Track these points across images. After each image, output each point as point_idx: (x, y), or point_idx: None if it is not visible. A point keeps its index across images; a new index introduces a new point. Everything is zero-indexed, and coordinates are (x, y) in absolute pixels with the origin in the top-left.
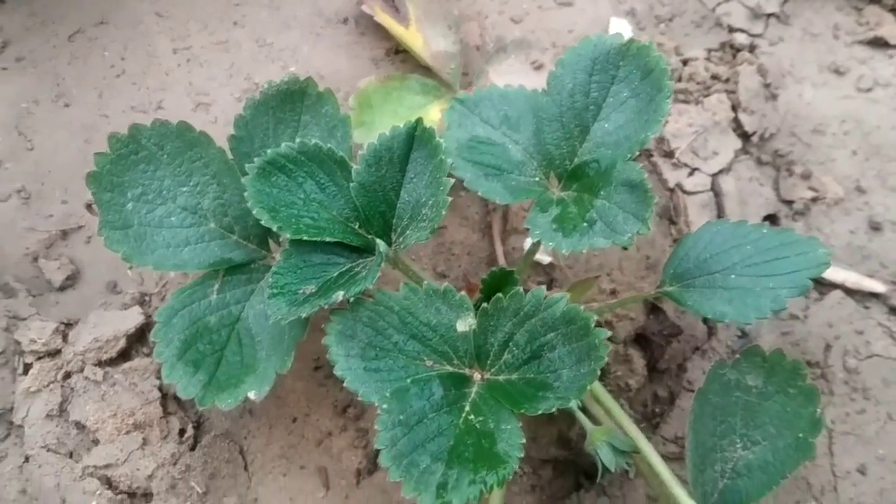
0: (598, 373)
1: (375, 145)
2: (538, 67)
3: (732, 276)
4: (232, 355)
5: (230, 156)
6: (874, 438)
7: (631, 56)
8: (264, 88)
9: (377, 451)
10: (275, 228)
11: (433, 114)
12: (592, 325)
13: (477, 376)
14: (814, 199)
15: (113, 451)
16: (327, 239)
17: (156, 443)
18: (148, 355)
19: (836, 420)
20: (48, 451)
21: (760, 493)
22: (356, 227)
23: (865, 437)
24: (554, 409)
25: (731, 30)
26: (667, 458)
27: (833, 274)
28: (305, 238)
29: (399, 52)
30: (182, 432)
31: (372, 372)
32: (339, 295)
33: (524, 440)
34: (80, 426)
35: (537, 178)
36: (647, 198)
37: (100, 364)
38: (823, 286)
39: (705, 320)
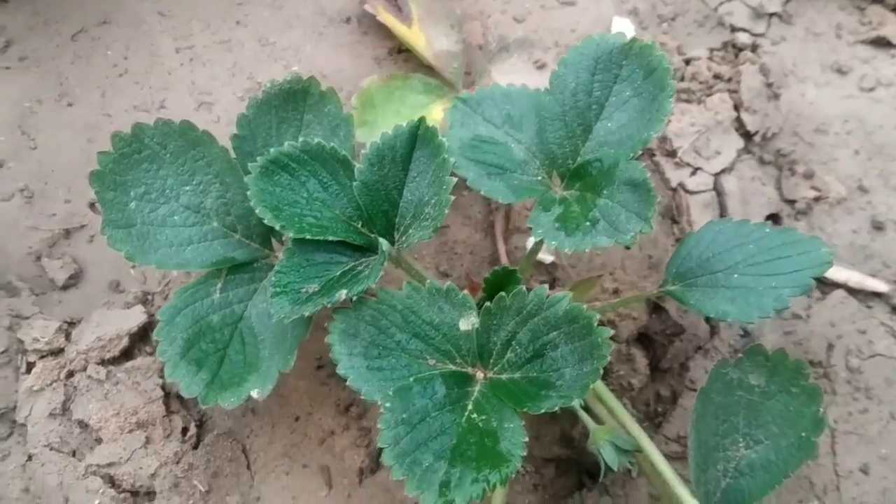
0: (601, 372)
1: (378, 144)
2: (541, 67)
3: (735, 276)
4: (235, 354)
5: (233, 155)
6: (877, 438)
7: (634, 55)
8: (267, 87)
9: (380, 450)
10: (277, 227)
11: (436, 113)
12: (595, 323)
13: (480, 375)
14: (816, 199)
15: (116, 449)
16: (330, 238)
17: (159, 441)
18: (151, 354)
19: (839, 419)
20: (51, 449)
21: (763, 492)
22: (359, 225)
23: (868, 436)
24: (557, 408)
25: (734, 29)
26: (669, 457)
27: (835, 273)
28: (308, 237)
29: (402, 52)
30: (185, 431)
31: (375, 370)
32: (342, 294)
33: (527, 439)
34: (83, 425)
35: (540, 178)
36: (649, 197)
37: (103, 363)
38: (826, 286)
39: (708, 319)
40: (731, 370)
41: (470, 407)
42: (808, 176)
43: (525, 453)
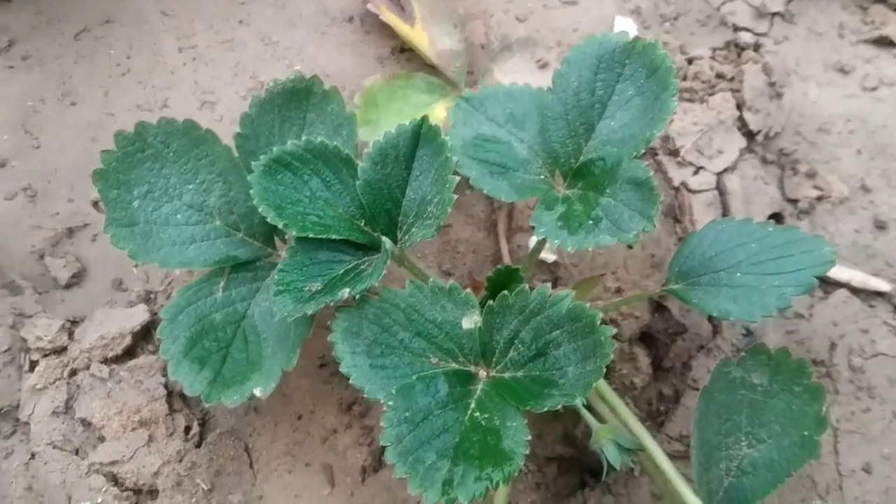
0: (604, 370)
1: (381, 143)
2: (543, 66)
3: (738, 275)
4: (237, 352)
5: (236, 154)
6: (879, 437)
7: (636, 54)
8: (270, 86)
9: (382, 449)
10: (280, 226)
11: (438, 112)
12: (598, 322)
13: (482, 373)
14: (819, 198)
15: (119, 448)
16: (333, 236)
17: (161, 440)
18: (153, 353)
19: (842, 419)
20: (54, 448)
21: (766, 491)
22: (362, 224)
23: (871, 435)
24: (559, 407)
25: (736, 29)
26: (672, 456)
27: (838, 273)
28: (311, 235)
29: (404, 51)
30: (188, 429)
31: (378, 369)
32: (345, 292)
33: (529, 437)
34: (85, 423)
35: (542, 176)
36: (652, 195)
37: (106, 361)
38: (828, 285)
39: (710, 319)
40: (733, 369)
41: (473, 405)
42: (811, 175)
43: (528, 451)
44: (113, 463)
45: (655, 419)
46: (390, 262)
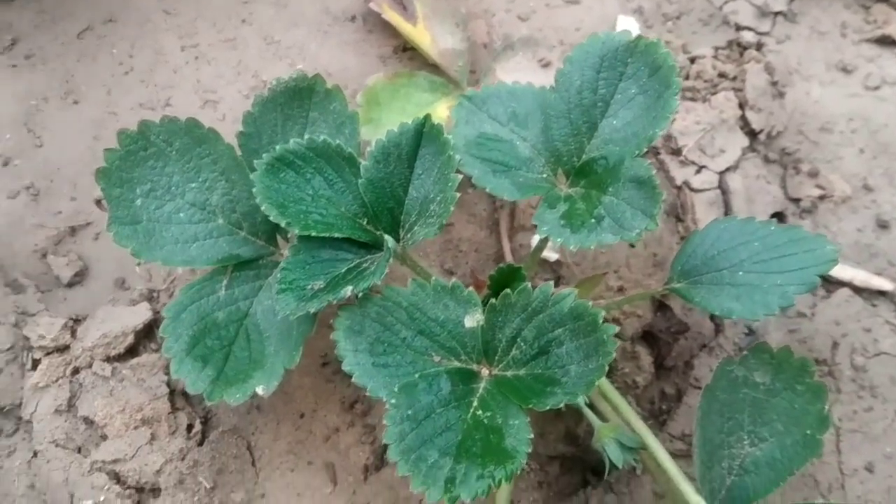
0: (606, 368)
1: (384, 142)
2: (545, 65)
3: (740, 273)
4: (240, 351)
5: (238, 152)
6: (882, 436)
7: (639, 53)
8: (273, 85)
9: (384, 447)
10: (283, 224)
11: (441, 111)
12: (600, 320)
13: (485, 372)
14: (821, 197)
15: (121, 446)
16: (335, 235)
17: (164, 438)
18: (156, 351)
19: (844, 418)
20: (56, 446)
21: (768, 489)
22: (364, 223)
23: (873, 434)
24: (562, 405)
25: (739, 28)
26: (674, 455)
27: (840, 272)
28: (314, 234)
29: (407, 50)
30: (190, 428)
31: (380, 367)
32: (348, 290)
33: (532, 435)
34: (88, 421)
35: (545, 175)
36: (655, 194)
37: (108, 360)
38: (831, 284)
39: (712, 318)
40: (736, 368)
41: (475, 403)
42: (813, 174)
43: (530, 450)
44: (115, 461)
45: (658, 418)
46: (393, 260)
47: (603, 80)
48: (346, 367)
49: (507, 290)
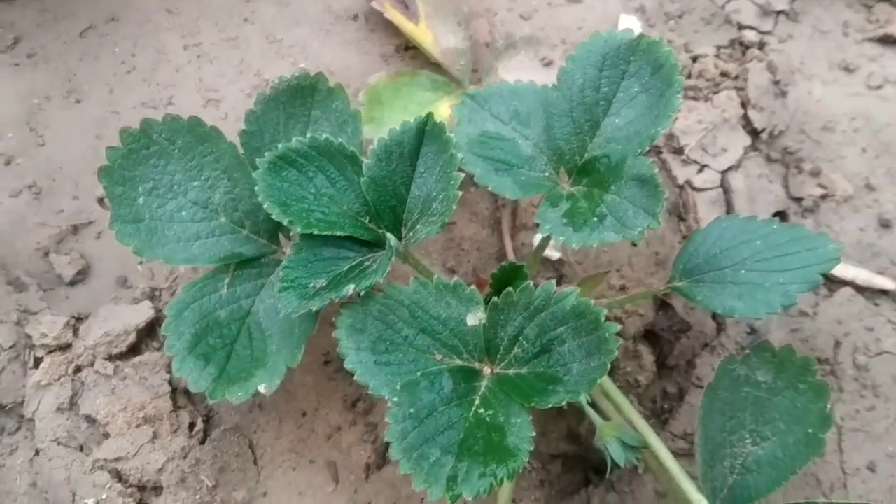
0: (609, 366)
1: (386, 140)
2: (547, 64)
3: (742, 272)
4: (242, 349)
5: (241, 150)
6: (884, 435)
7: (641, 51)
8: (275, 83)
9: (386, 446)
10: (285, 222)
11: (443, 110)
12: (602, 319)
13: (487, 370)
14: (823, 197)
15: (123, 444)
16: (338, 233)
17: (166, 436)
18: (158, 350)
19: (846, 417)
20: (58, 444)
21: (770, 488)
22: (366, 221)
23: (875, 433)
24: (564, 403)
25: (741, 27)
26: (676, 454)
27: (843, 271)
28: (316, 232)
29: (409, 49)
30: (192, 426)
31: (382, 365)
32: (350, 289)
33: (534, 433)
34: (90, 420)
35: (547, 173)
36: (657, 192)
37: (110, 358)
38: (833, 283)
39: (714, 316)
40: (738, 366)
41: (477, 402)
42: (815, 174)
43: (532, 448)
44: (117, 459)
45: (660, 417)
46: (395, 258)
47: (605, 78)
48: (348, 366)
49: (510, 289)
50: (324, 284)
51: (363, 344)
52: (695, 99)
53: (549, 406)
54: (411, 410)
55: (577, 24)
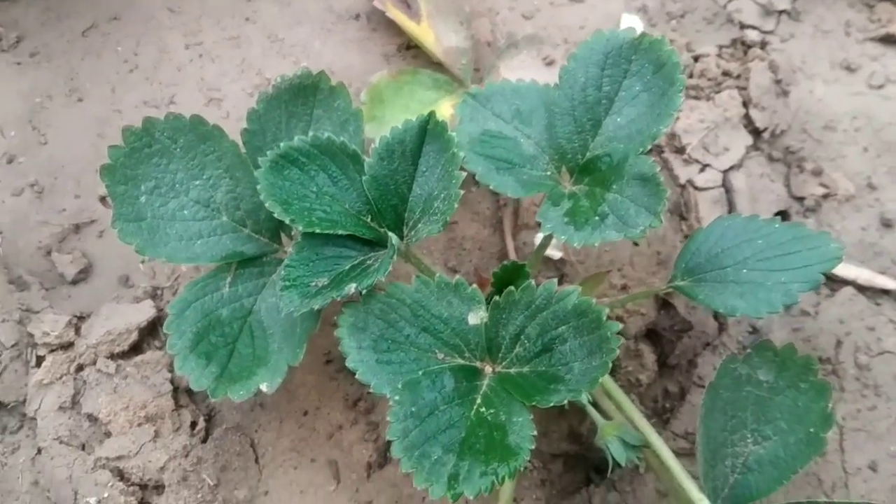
0: (610, 365)
1: (388, 139)
2: (549, 63)
3: (744, 271)
4: (244, 348)
5: (243, 149)
6: (885, 435)
7: (643, 50)
8: (277, 82)
9: (388, 445)
10: (287, 221)
11: (444, 109)
12: (604, 318)
13: (488, 369)
14: (825, 196)
15: (125, 443)
16: (339, 232)
17: (167, 435)
18: (160, 348)
19: (847, 416)
20: (60, 443)
21: (771, 488)
22: (368, 220)
23: (876, 433)
24: (565, 402)
25: (743, 26)
26: (677, 453)
27: (844, 270)
28: (318, 231)
29: (410, 48)
30: (193, 425)
31: (384, 364)
32: (351, 287)
33: (535, 432)
34: (92, 418)
35: (549, 172)
36: (659, 191)
37: (112, 357)
38: (835, 283)
39: (716, 316)
40: (739, 365)
41: (478, 401)
42: (817, 173)
43: (533, 447)
44: (119, 458)
45: (661, 416)
46: (396, 257)
47: (607, 77)
48: (349, 364)
49: (511, 288)
50: (325, 283)
51: (365, 343)
52: (696, 98)
53: (551, 405)
54: (413, 409)
55: (579, 23)
